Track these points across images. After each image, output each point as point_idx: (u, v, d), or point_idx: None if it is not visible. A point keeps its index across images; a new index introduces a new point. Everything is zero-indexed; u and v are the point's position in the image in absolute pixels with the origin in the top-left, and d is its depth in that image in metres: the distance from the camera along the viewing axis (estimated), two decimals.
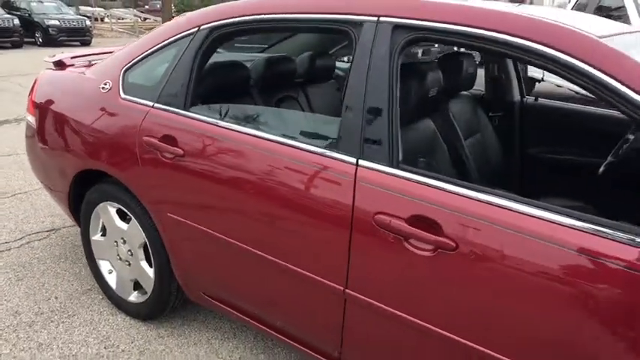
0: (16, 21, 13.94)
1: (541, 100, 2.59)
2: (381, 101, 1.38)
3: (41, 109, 2.38)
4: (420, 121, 1.81)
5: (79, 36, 15.23)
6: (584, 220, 1.09)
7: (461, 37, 1.31)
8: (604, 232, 1.06)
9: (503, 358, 1.19)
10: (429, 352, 1.34)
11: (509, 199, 1.18)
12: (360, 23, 1.47)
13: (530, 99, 2.59)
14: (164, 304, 2.14)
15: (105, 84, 2.10)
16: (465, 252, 1.19)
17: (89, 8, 27.88)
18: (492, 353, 1.21)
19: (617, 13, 6.45)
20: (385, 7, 1.44)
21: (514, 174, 2.51)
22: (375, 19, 1.44)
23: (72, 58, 2.59)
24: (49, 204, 3.40)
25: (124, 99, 2.01)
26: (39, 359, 2.00)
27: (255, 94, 2.31)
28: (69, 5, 20.00)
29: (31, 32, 14.74)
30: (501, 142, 2.47)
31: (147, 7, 35.58)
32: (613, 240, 1.04)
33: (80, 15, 18.70)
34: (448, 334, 1.27)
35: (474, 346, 1.23)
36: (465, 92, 2.45)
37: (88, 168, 2.15)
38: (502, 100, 2.53)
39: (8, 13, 14.53)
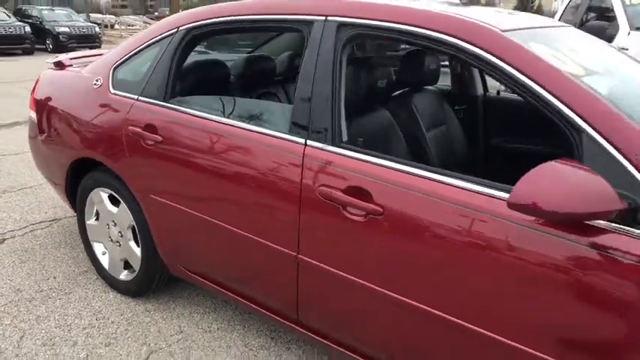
0: (28, 28, 14.36)
1: (503, 94, 2.77)
2: (326, 90, 1.58)
3: (41, 105, 2.61)
4: (375, 110, 2.00)
5: (89, 42, 15.61)
6: (479, 184, 1.28)
7: (392, 33, 1.51)
8: (491, 193, 1.25)
9: (425, 306, 1.38)
10: (369, 308, 1.53)
11: (426, 169, 1.37)
12: (311, 22, 1.67)
13: (492, 93, 2.78)
14: (150, 281, 2.35)
15: (97, 80, 2.33)
16: (390, 216, 1.39)
17: (100, 15, 28.45)
18: (417, 304, 1.39)
19: (607, 14, 6.59)
20: (332, 8, 1.65)
21: (478, 163, 2.68)
22: (324, 18, 1.65)
23: (70, 59, 2.82)
24: (52, 197, 3.64)
25: (114, 93, 2.23)
26: (37, 329, 2.22)
27: (236, 90, 2.52)
28: (80, 12, 20.49)
29: (42, 39, 15.16)
30: (466, 133, 2.65)
31: (156, 13, 36.19)
32: (498, 199, 1.23)
33: (90, 22, 19.16)
34: (382, 290, 1.46)
35: (403, 298, 1.42)
36: (430, 87, 2.64)
37: (82, 157, 2.37)
38: (466, 94, 2.72)
39: (20, 21, 14.98)
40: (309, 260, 1.60)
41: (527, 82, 1.25)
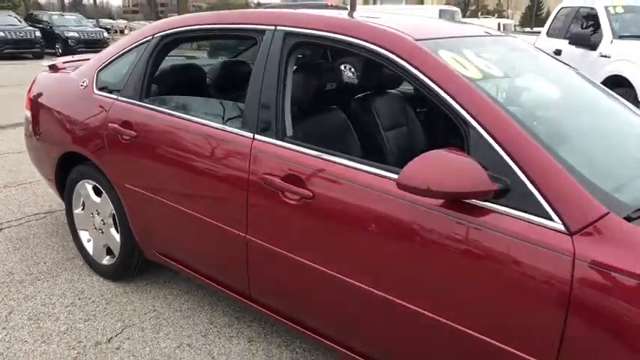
0: (38, 33, 14.77)
1: None
2: (273, 90, 1.80)
3: (35, 104, 2.86)
4: (328, 110, 2.21)
5: (97, 47, 15.98)
6: (388, 170, 1.49)
7: (326, 40, 1.73)
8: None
9: (351, 280, 1.58)
10: (306, 280, 1.74)
11: (349, 159, 1.58)
12: (263, 31, 1.90)
13: None
14: (128, 265, 2.57)
15: (83, 82, 2.57)
16: (318, 199, 1.60)
17: (110, 20, 28.98)
18: (346, 279, 1.60)
19: (593, 22, 6.75)
20: (280, 19, 1.87)
21: None
22: (273, 28, 1.87)
23: (64, 62, 3.07)
24: (49, 192, 3.88)
25: (97, 94, 2.47)
26: (24, 306, 2.44)
27: (211, 91, 2.74)
28: (91, 18, 20.93)
29: (51, 43, 15.57)
30: (427, 134, 2.85)
31: None
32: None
33: (100, 27, 19.60)
34: (314, 265, 1.67)
35: (332, 273, 1.63)
36: (393, 91, 2.84)
37: (69, 151, 2.61)
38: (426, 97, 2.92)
39: (31, 26, 15.41)
40: (255, 240, 1.81)
41: (429, 83, 1.46)
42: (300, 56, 2.43)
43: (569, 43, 6.87)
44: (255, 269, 1.89)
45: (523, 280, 1.24)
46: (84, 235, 2.79)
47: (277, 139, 1.76)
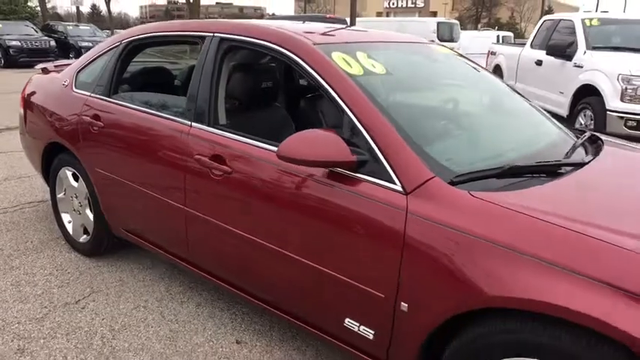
0: (53, 42, 15.45)
1: None
2: (207, 86, 2.16)
3: (27, 102, 3.26)
4: (268, 105, 2.55)
5: None
6: (270, 144, 1.83)
7: (249, 44, 2.09)
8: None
9: (264, 242, 1.92)
10: (229, 244, 2.07)
11: (256, 139, 1.93)
12: (204, 37, 2.27)
13: None
14: (101, 242, 2.94)
15: (65, 81, 2.96)
16: (236, 174, 1.95)
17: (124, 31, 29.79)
18: (258, 239, 1.93)
19: (570, 35, 7.01)
20: (217, 27, 2.24)
21: None
22: (212, 34, 2.24)
23: (55, 66, 3.48)
24: (44, 185, 4.28)
25: (75, 91, 2.86)
26: (9, 275, 2.81)
27: (177, 90, 3.11)
28: (106, 29, 21.66)
29: (65, 53, 16.23)
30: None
31: None
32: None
33: None
34: (236, 230, 2.01)
35: (243, 233, 1.96)
36: None
37: (51, 141, 2.99)
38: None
39: (47, 36, 16.10)
40: (191, 211, 2.16)
41: (317, 78, 1.80)
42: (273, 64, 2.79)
43: (547, 53, 7.17)
44: (192, 236, 2.24)
45: (375, 231, 1.57)
46: (65, 217, 3.17)
47: (209, 126, 2.12)
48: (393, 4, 71.56)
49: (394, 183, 1.56)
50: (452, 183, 1.53)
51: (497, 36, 14.97)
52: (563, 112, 6.76)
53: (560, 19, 7.60)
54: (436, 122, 1.96)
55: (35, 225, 3.51)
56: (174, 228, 2.33)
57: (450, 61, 2.45)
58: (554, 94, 7.05)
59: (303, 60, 1.87)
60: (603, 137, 2.32)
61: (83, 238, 3.05)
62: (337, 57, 1.87)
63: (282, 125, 2.60)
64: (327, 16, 10.80)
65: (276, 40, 1.98)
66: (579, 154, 1.95)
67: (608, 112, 5.72)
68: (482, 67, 2.68)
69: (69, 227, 3.15)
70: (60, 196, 3.16)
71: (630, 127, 5.58)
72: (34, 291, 2.66)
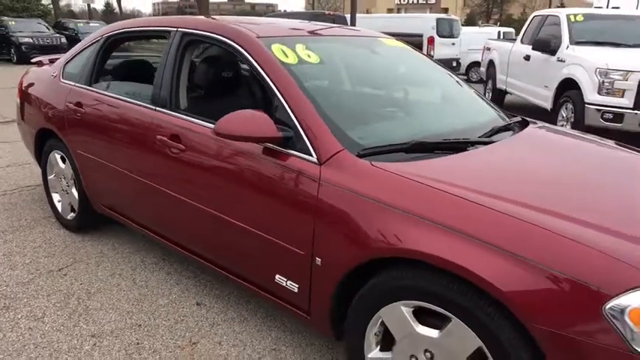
0: (64, 39, 15.87)
1: None
2: (170, 74, 2.43)
3: (22, 92, 3.57)
4: (224, 91, 2.78)
5: None
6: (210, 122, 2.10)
7: (203, 37, 2.36)
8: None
9: (211, 210, 2.19)
10: (182, 213, 2.34)
11: (200, 119, 2.20)
12: (169, 31, 2.54)
13: None
14: (85, 219, 3.23)
15: (54, 73, 3.26)
16: (189, 151, 2.22)
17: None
18: (205, 208, 2.20)
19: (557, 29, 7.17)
20: (180, 23, 2.51)
21: None
22: (175, 29, 2.51)
23: (49, 59, 3.77)
24: None
25: (62, 82, 3.15)
26: (2, 247, 3.12)
27: (152, 81, 3.38)
28: None
29: None
30: None
31: None
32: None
33: None
34: (187, 200, 2.28)
35: (198, 205, 2.23)
36: None
37: (42, 127, 3.29)
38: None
39: (58, 33, 16.54)
40: (153, 185, 2.44)
41: (256, 66, 2.06)
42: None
43: (532, 48, 7.34)
44: (155, 208, 2.52)
45: (296, 197, 1.83)
46: (55, 197, 3.47)
47: (170, 110, 2.39)
48: (404, 0, 71.42)
49: (311, 155, 1.82)
50: (359, 155, 1.78)
51: (499, 32, 15.08)
52: (548, 105, 6.94)
53: (548, 15, 7.76)
54: (354, 104, 2.21)
55: (30, 205, 3.82)
56: (141, 202, 2.61)
57: (392, 52, 2.70)
58: (540, 88, 7.22)
59: (245, 50, 2.13)
60: (540, 123, 2.57)
61: (70, 216, 3.34)
62: (276, 48, 2.13)
63: (234, 109, 2.87)
64: (327, 12, 11.30)
65: (226, 33, 2.25)
66: (498, 135, 2.19)
67: (586, 105, 5.89)
68: (431, 59, 2.92)
69: (58, 206, 3.45)
70: (50, 177, 3.46)
71: (607, 120, 5.75)
72: (23, 260, 2.96)
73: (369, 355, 1.75)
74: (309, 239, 1.80)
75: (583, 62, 6.12)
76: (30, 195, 4.05)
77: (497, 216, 1.46)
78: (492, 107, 2.67)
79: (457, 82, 2.79)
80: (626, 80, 5.59)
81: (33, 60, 3.83)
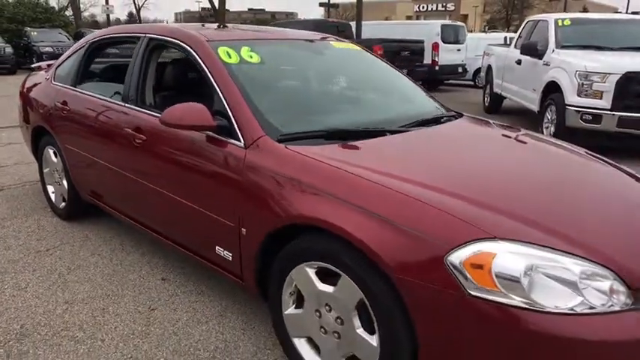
0: None
1: None
2: (137, 74, 2.77)
3: (22, 95, 3.96)
4: (185, 89, 3.09)
5: None
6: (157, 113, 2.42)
7: (164, 42, 2.69)
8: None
9: (165, 191, 2.50)
10: (145, 196, 2.65)
11: (154, 110, 2.52)
12: (139, 37, 2.88)
13: None
14: (74, 208, 3.59)
15: (48, 76, 3.64)
16: (148, 139, 2.54)
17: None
18: (160, 189, 2.52)
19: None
20: (147, 30, 2.86)
21: None
22: (144, 35, 2.85)
23: (47, 65, 4.17)
24: None
25: (53, 84, 3.53)
26: (1, 232, 3.50)
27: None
28: None
29: None
30: None
31: None
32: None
33: None
34: (147, 184, 2.60)
35: (155, 187, 2.55)
36: None
37: (37, 125, 3.67)
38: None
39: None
40: (121, 172, 2.78)
41: (203, 66, 2.38)
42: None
43: (520, 52, 7.54)
44: (124, 192, 2.86)
45: (227, 177, 2.13)
46: (50, 188, 3.85)
47: (136, 106, 2.73)
48: (424, 7, 71.46)
49: (240, 141, 2.12)
50: (279, 141, 2.07)
51: (505, 37, 15.18)
52: (535, 107, 7.12)
53: (539, 20, 7.94)
54: (284, 97, 2.51)
55: (30, 197, 4.21)
56: (115, 188, 2.95)
57: (337, 53, 3.00)
58: (529, 91, 7.41)
59: (195, 51, 2.46)
60: (472, 117, 2.83)
61: (62, 205, 3.71)
62: (221, 50, 2.44)
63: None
64: (330, 20, 11.78)
65: (181, 37, 2.58)
66: (423, 124, 2.47)
67: (566, 107, 6.07)
68: (381, 60, 3.20)
69: (52, 197, 3.82)
70: (46, 171, 3.84)
71: (585, 121, 5.91)
72: (17, 242, 3.33)
73: (286, 312, 2.03)
74: (236, 212, 2.10)
75: (565, 65, 6.30)
76: (31, 189, 4.44)
77: (373, 186, 1.74)
78: (433, 102, 2.95)
79: (404, 81, 3.07)
80: (604, 82, 5.76)
81: (33, 66, 4.24)
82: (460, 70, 13.88)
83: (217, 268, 2.37)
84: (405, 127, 2.41)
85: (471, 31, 27.61)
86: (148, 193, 2.64)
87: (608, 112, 5.76)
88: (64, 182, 3.59)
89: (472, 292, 1.49)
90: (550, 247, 1.51)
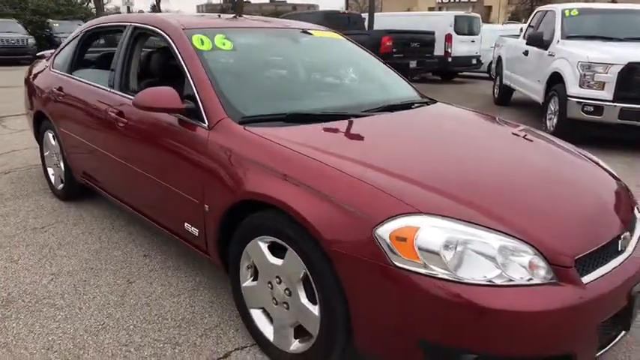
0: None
1: None
2: (122, 61, 2.91)
3: (27, 82, 4.16)
4: (164, 75, 3.19)
5: None
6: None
7: (144, 30, 2.82)
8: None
9: (141, 171, 2.65)
10: (126, 175, 2.80)
11: (128, 94, 2.66)
12: (125, 26, 3.02)
13: None
14: (71, 189, 3.78)
15: (47, 64, 3.83)
16: (129, 121, 2.69)
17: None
18: (138, 169, 2.66)
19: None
20: (133, 19, 3.00)
21: None
22: (129, 24, 2.99)
23: (50, 53, 4.36)
24: None
25: (52, 71, 3.71)
26: (2, 210, 3.71)
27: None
28: None
29: None
30: None
31: None
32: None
33: None
34: (127, 164, 2.75)
35: (135, 167, 2.70)
36: None
37: (37, 110, 3.86)
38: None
39: None
40: (107, 153, 2.94)
41: (176, 51, 2.50)
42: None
43: (526, 43, 7.47)
44: (110, 173, 3.01)
45: (193, 156, 2.25)
46: (50, 171, 4.04)
47: (120, 91, 2.87)
48: None
49: (204, 122, 2.24)
50: (241, 123, 2.18)
51: (521, 28, 14.93)
52: (540, 99, 7.07)
53: (547, 11, 7.85)
54: (251, 82, 2.61)
55: (34, 180, 4.43)
56: (103, 169, 3.12)
57: (314, 41, 3.09)
58: (534, 82, 7.35)
59: (170, 38, 2.59)
60: (445, 105, 2.91)
61: (60, 187, 3.90)
62: (195, 37, 2.56)
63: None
64: (341, 11, 11.79)
65: (160, 25, 2.71)
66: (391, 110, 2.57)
67: (568, 98, 6.03)
68: (363, 49, 3.28)
69: (52, 179, 4.02)
70: (46, 154, 4.03)
71: (587, 112, 5.86)
72: (15, 220, 3.53)
73: (244, 285, 2.16)
74: (200, 190, 2.23)
75: (568, 56, 6.25)
76: (37, 172, 4.66)
77: (315, 164, 1.84)
78: (410, 90, 3.02)
79: (381, 69, 3.15)
80: (607, 73, 5.70)
81: (38, 54, 4.43)
82: (474, 61, 13.76)
83: (187, 244, 2.50)
84: (369, 112, 2.50)
85: (491, 23, 27.18)
86: (130, 174, 2.79)
87: (610, 104, 5.70)
88: (62, 164, 3.78)
89: (397, 264, 1.58)
90: (472, 222, 1.59)
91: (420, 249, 1.56)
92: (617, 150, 6.03)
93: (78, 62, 3.54)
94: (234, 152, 2.07)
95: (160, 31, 2.69)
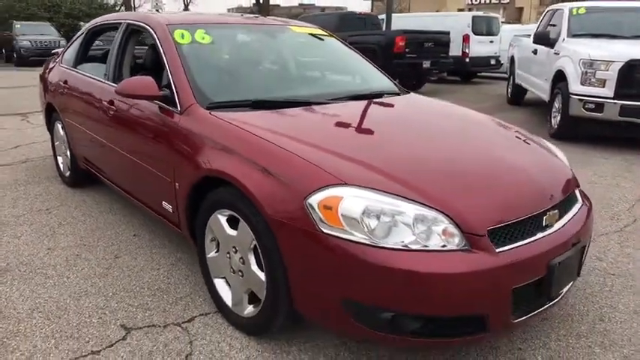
0: None
1: None
2: (116, 55, 3.17)
3: (42, 78, 4.50)
4: (152, 66, 3.42)
5: None
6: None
7: (136, 26, 3.07)
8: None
9: (126, 154, 2.89)
10: (117, 159, 3.05)
11: (110, 83, 2.91)
12: (120, 23, 3.29)
13: None
14: (77, 176, 4.07)
15: (58, 60, 4.14)
16: (118, 109, 2.93)
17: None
18: (123, 152, 2.91)
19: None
20: (127, 17, 3.25)
21: None
22: (124, 21, 3.25)
23: (63, 51, 4.69)
24: None
25: (61, 65, 4.02)
26: (13, 193, 4.03)
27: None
28: None
29: None
30: None
31: None
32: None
33: None
34: (115, 148, 3.00)
35: (121, 150, 2.94)
36: None
37: (48, 102, 4.18)
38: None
39: None
40: (101, 139, 3.19)
41: (158, 44, 2.73)
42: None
43: (533, 42, 7.48)
44: (104, 158, 3.27)
45: (168, 139, 2.47)
46: (59, 159, 4.36)
47: (113, 81, 3.13)
48: (476, 0, 69.76)
49: (177, 107, 2.46)
50: (208, 108, 2.39)
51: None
52: (546, 97, 7.08)
53: (557, 9, 7.84)
54: (223, 72, 2.81)
55: (47, 169, 4.76)
56: (99, 154, 3.38)
57: (293, 36, 3.29)
58: (542, 80, 7.36)
59: (154, 33, 2.83)
60: (424, 97, 3.07)
61: (67, 174, 4.20)
62: (177, 32, 2.79)
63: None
64: (359, 12, 11.97)
65: (147, 21, 2.96)
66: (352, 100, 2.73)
67: (570, 96, 6.04)
68: (343, 44, 3.46)
69: (61, 166, 4.33)
70: (56, 144, 4.35)
71: (588, 110, 5.87)
72: (24, 203, 3.84)
73: (208, 256, 2.36)
74: (172, 169, 2.45)
75: (571, 54, 6.26)
76: (50, 162, 4.98)
77: (262, 143, 2.03)
78: (386, 82, 3.19)
79: (358, 62, 3.32)
80: (607, 70, 5.70)
81: (53, 52, 4.77)
82: (493, 62, 13.69)
83: (166, 221, 2.73)
84: (333, 100, 2.67)
85: (520, 24, 26.83)
86: (121, 158, 3.04)
87: (611, 101, 5.70)
88: (68, 153, 4.08)
89: (324, 230, 1.75)
90: (390, 193, 1.76)
91: (343, 216, 1.73)
92: (618, 148, 6.01)
93: (82, 57, 3.83)
94: (198, 134, 2.28)
95: (147, 26, 2.94)
